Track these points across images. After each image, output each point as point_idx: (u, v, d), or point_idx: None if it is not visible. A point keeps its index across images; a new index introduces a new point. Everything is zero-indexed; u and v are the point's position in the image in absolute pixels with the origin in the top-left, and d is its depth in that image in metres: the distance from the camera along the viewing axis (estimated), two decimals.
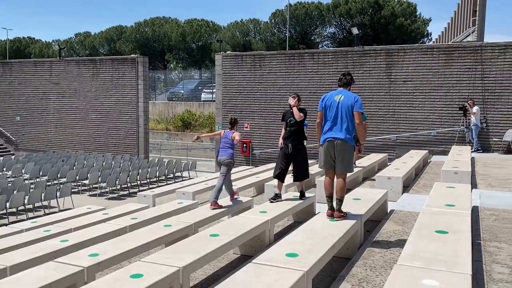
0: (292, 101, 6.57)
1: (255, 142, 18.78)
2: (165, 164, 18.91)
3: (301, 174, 6.53)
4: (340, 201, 5.20)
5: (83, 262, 4.29)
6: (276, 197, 6.49)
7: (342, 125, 5.15)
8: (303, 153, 6.54)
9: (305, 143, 6.67)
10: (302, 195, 6.70)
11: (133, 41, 48.30)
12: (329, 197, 5.27)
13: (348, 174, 5.61)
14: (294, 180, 6.65)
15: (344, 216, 5.17)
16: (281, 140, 6.65)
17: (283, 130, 6.66)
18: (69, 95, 23.71)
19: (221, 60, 19.45)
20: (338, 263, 4.82)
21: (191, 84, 35.99)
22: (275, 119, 18.22)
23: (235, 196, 7.33)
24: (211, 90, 30.96)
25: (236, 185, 9.98)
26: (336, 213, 5.18)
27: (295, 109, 6.44)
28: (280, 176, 6.50)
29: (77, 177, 16.27)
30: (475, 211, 6.20)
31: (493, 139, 14.79)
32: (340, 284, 4.08)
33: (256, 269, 3.69)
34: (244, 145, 18.75)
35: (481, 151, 14.35)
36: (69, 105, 23.70)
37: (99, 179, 15.81)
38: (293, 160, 6.51)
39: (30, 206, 12.64)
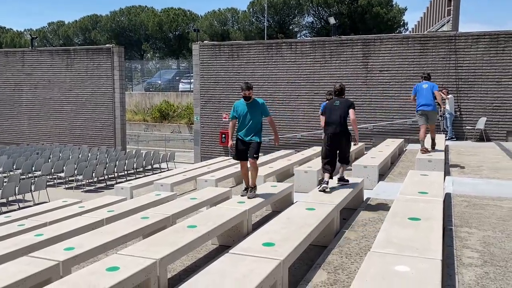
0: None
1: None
2: (143, 156, 18.73)
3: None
4: (433, 139, 9.05)
5: (58, 256, 4.23)
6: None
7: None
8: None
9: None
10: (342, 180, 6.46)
11: (108, 31, 47.34)
12: (422, 141, 8.78)
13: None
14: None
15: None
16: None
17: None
18: (43, 86, 23.15)
19: (199, 50, 19.28)
20: (314, 251, 4.89)
21: (169, 74, 35.56)
22: None
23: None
24: (189, 80, 30.68)
25: (214, 176, 9.98)
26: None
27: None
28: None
29: (52, 170, 15.97)
30: (448, 197, 6.37)
31: (466, 127, 15.14)
32: (316, 272, 4.14)
33: (233, 259, 3.72)
34: (223, 135, 18.71)
35: (455, 139, 14.69)
36: (43, 96, 23.16)
37: (75, 172, 15.55)
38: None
39: (4, 200, 12.36)
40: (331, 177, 6.28)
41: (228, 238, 5.50)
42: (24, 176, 15.72)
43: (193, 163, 17.82)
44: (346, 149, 6.33)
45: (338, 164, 6.46)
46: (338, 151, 6.28)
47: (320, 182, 6.54)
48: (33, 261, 4.11)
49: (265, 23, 37.73)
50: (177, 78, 34.28)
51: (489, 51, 14.86)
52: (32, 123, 23.58)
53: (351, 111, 6.14)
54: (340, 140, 6.20)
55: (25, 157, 17.70)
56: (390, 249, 3.61)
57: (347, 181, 6.49)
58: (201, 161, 18.04)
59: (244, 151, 5.99)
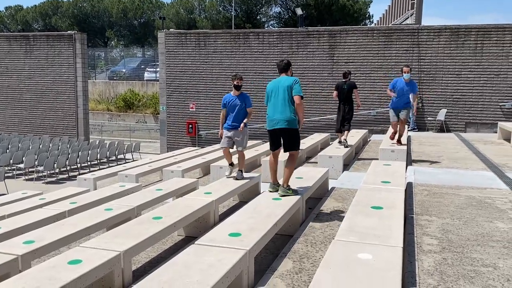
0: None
1: (201, 123, 18.62)
2: (107, 146, 18.32)
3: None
4: (400, 135, 9.51)
5: (17, 250, 4.09)
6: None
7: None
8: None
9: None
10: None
11: (70, 17, 45.75)
12: (394, 133, 9.40)
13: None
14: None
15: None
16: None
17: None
18: (0, 74, 22.16)
19: (164, 38, 18.92)
20: (280, 240, 4.94)
21: (134, 63, 34.78)
22: (221, 99, 18.09)
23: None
24: (154, 69, 30.12)
25: (181, 167, 9.89)
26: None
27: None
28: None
29: (11, 160, 15.39)
30: (409, 186, 6.56)
31: (428, 118, 15.61)
32: (282, 260, 4.19)
33: (199, 250, 3.70)
34: (190, 125, 18.54)
35: (417, 129, 15.12)
36: (0, 84, 22.18)
37: (36, 163, 15.05)
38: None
39: None
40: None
41: (195, 229, 5.47)
42: None
43: (159, 154, 17.58)
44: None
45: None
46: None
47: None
48: None
49: (232, 13, 37.44)
50: (142, 66, 33.59)
51: (449, 45, 15.32)
52: None
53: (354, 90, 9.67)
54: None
55: None
56: (353, 237, 3.69)
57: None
58: (167, 151, 17.82)
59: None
